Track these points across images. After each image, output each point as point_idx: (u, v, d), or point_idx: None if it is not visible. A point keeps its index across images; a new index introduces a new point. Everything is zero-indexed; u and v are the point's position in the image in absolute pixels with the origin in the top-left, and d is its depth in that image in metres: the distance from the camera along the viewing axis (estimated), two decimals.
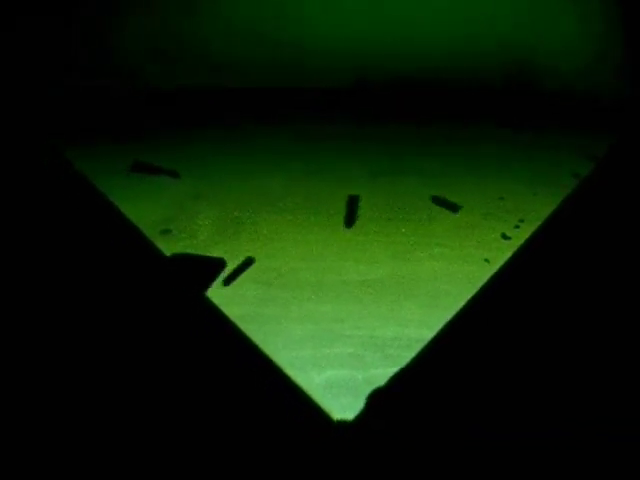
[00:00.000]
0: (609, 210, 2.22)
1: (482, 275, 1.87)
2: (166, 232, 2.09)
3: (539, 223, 2.18)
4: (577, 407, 1.40)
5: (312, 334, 1.63)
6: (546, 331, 1.64)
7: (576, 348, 1.57)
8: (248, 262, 1.82)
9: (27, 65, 3.36)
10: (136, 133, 2.94)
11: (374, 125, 3.06)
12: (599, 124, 3.08)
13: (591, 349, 1.57)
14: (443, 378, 1.50)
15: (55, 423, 1.36)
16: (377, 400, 1.42)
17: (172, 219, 2.18)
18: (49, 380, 1.47)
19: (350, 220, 1.84)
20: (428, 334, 1.63)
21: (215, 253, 1.98)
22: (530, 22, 3.40)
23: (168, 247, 2.00)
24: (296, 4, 3.41)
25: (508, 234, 2.11)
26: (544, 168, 2.62)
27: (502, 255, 2.00)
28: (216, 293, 1.79)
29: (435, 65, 3.47)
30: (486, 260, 1.97)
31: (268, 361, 1.54)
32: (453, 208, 1.86)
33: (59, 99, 3.31)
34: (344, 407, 1.42)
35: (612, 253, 1.97)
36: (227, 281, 1.80)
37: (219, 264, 1.91)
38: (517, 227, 2.16)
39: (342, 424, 1.36)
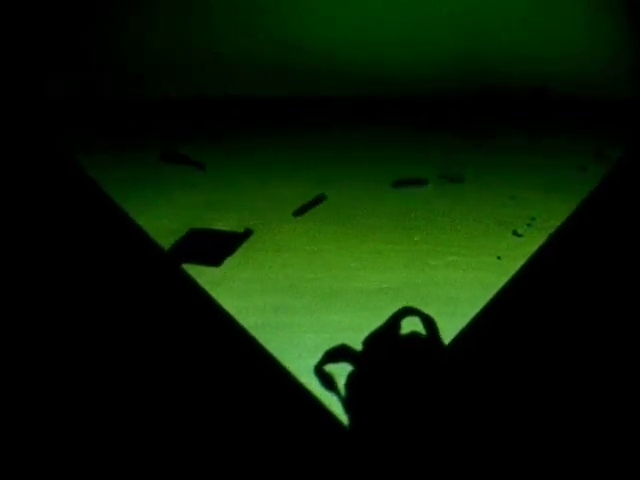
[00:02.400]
0: (624, 216, 2.20)
1: (497, 282, 1.86)
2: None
3: (550, 223, 2.18)
4: (592, 413, 1.38)
5: (327, 343, 1.63)
6: (560, 337, 1.62)
7: (586, 352, 1.55)
8: (320, 198, 1.84)
9: (33, 71, 3.43)
10: (152, 142, 2.98)
11: (387, 134, 3.07)
12: (612, 128, 3.07)
13: (595, 353, 1.55)
14: (461, 383, 1.48)
15: (61, 423, 1.37)
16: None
17: (187, 228, 2.20)
18: (66, 382, 1.49)
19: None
20: (444, 341, 1.62)
21: (230, 262, 2.00)
22: (542, 30, 3.41)
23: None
24: (316, 20, 3.47)
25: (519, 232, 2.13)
26: (558, 173, 2.60)
27: (514, 255, 2.00)
28: (230, 303, 1.80)
29: (444, 75, 3.48)
30: (498, 258, 1.99)
31: (283, 370, 1.54)
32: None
33: (68, 105, 3.37)
34: None
35: (628, 261, 1.94)
36: (297, 213, 1.81)
37: (233, 237, 1.96)
38: (529, 225, 2.17)
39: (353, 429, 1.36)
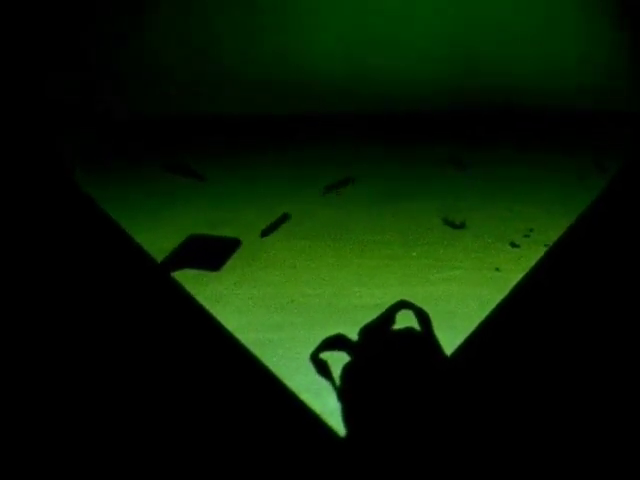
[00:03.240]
0: (623, 228, 2.21)
1: (495, 297, 1.87)
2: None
3: (549, 235, 2.20)
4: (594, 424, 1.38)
5: (326, 359, 1.63)
6: (559, 351, 1.62)
7: (583, 364, 1.55)
8: (284, 217, 1.88)
9: (31, 89, 3.47)
10: (149, 160, 3.01)
11: (384, 149, 3.10)
12: (611, 140, 3.10)
13: (593, 365, 1.55)
14: (459, 396, 1.48)
15: (54, 429, 1.37)
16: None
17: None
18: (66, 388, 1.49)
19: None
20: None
21: (230, 279, 2.01)
22: (539, 45, 3.46)
23: (181, 274, 2.03)
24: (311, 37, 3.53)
25: (517, 242, 2.16)
26: (556, 186, 2.63)
27: (513, 269, 2.01)
28: (230, 319, 1.81)
29: (440, 90, 3.53)
30: (497, 269, 2.01)
31: (282, 386, 1.54)
32: (460, 227, 1.90)
33: (68, 120, 3.41)
34: None
35: (626, 274, 1.95)
36: (264, 233, 1.85)
37: (233, 243, 2.02)
38: (527, 236, 2.19)
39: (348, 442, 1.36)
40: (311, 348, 1.67)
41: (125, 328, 1.76)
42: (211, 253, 2.07)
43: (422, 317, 1.71)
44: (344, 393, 1.47)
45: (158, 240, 2.24)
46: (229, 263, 2.10)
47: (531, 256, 2.09)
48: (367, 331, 1.67)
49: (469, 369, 1.58)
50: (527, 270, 2.02)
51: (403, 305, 1.76)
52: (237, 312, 1.85)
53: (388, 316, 1.72)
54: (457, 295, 1.90)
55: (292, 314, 1.83)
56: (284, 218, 1.86)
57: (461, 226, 1.98)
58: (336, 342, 1.65)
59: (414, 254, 2.13)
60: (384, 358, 1.56)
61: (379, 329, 1.68)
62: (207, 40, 3.53)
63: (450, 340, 1.67)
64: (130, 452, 1.36)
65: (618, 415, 1.42)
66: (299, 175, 2.82)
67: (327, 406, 1.47)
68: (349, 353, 1.59)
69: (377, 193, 2.62)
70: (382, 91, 3.57)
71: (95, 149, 3.10)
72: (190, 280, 2.00)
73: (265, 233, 1.87)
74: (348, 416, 1.40)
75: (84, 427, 1.43)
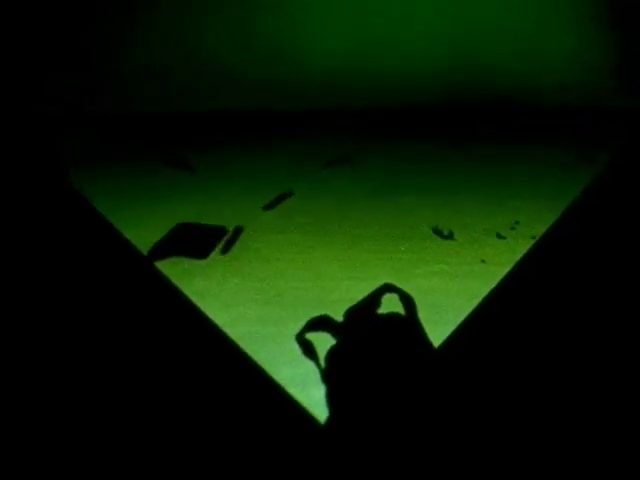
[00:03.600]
0: (611, 221, 2.23)
1: (482, 290, 1.88)
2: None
3: (535, 229, 2.22)
4: (582, 415, 1.39)
5: (311, 339, 1.64)
6: (543, 343, 1.64)
7: (569, 356, 1.57)
8: (238, 230, 1.91)
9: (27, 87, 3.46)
10: (137, 155, 2.99)
11: (373, 144, 3.10)
12: (597, 136, 3.12)
13: (579, 356, 1.57)
14: (446, 388, 1.49)
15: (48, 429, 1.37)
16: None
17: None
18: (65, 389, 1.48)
19: (226, 248, 1.92)
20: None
21: (217, 273, 2.00)
22: (533, 43, 3.49)
23: (168, 268, 2.02)
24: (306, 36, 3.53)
25: (503, 234, 2.19)
26: (542, 180, 2.64)
27: (499, 262, 2.03)
28: (217, 314, 1.80)
29: (433, 85, 3.54)
30: (482, 261, 2.03)
31: (269, 379, 1.54)
32: (449, 237, 1.94)
33: (58, 120, 3.40)
34: None
35: (615, 266, 1.97)
36: (224, 249, 1.87)
37: (220, 231, 2.05)
38: (513, 229, 2.21)
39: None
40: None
41: (113, 323, 1.76)
42: (198, 241, 2.07)
43: (406, 301, 1.75)
44: (328, 375, 1.48)
45: (149, 234, 2.23)
46: (215, 257, 2.09)
47: (517, 248, 2.11)
48: (352, 313, 1.68)
49: (456, 361, 1.59)
50: (513, 262, 2.03)
51: (388, 289, 1.78)
52: (225, 306, 1.84)
53: (373, 299, 1.75)
54: (444, 288, 1.91)
55: (280, 308, 1.83)
56: (288, 194, 1.88)
57: (449, 236, 2.01)
58: (321, 323, 1.68)
59: (402, 248, 2.14)
60: (369, 342, 1.58)
61: (364, 311, 1.69)
62: (206, 38, 3.52)
63: (438, 333, 1.68)
64: (118, 444, 1.36)
65: (606, 408, 1.43)
66: (287, 170, 2.81)
67: (314, 399, 1.47)
68: (334, 335, 1.62)
69: (369, 189, 2.62)
70: (380, 86, 3.57)
71: (94, 148, 3.08)
72: (177, 274, 2.00)
73: (268, 207, 1.89)
74: (331, 399, 1.41)
75: (71, 418, 1.42)
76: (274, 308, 1.83)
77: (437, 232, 1.95)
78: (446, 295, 1.87)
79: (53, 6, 3.40)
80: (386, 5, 3.42)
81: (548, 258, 2.05)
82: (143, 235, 2.24)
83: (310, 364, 1.58)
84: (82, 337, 1.70)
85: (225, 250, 1.97)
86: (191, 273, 2.01)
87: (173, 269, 2.02)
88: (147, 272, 2.01)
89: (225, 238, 1.97)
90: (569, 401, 1.45)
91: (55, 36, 3.49)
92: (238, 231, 1.98)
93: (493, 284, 1.92)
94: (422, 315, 1.77)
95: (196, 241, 2.07)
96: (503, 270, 1.99)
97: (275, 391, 1.51)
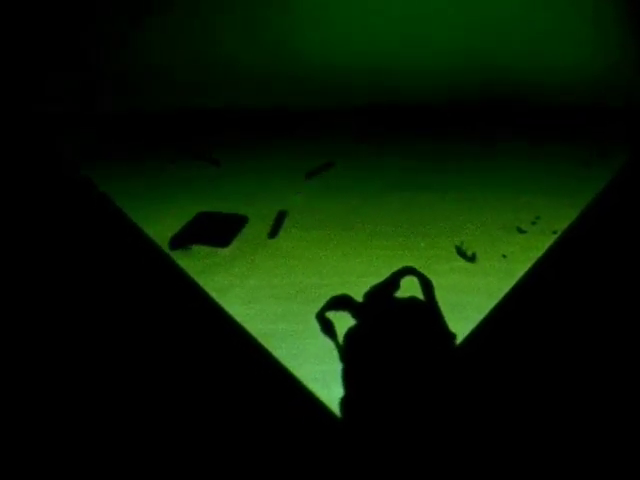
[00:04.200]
0: (633, 217, 2.20)
1: (503, 287, 1.87)
2: (186, 249, 2.13)
3: (555, 225, 2.20)
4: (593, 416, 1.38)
5: (333, 348, 1.64)
6: (564, 341, 1.62)
7: (590, 353, 1.55)
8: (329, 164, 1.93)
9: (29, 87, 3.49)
10: (137, 155, 3.02)
11: (391, 142, 3.09)
12: (616, 134, 3.07)
13: (600, 354, 1.55)
14: (468, 385, 1.49)
15: (56, 425, 1.39)
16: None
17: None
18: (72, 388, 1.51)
19: (274, 232, 1.92)
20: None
21: (236, 269, 2.01)
22: (548, 43, 3.45)
23: (189, 264, 2.04)
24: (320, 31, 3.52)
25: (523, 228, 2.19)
26: (561, 178, 2.61)
27: (520, 259, 2.01)
28: (238, 310, 1.81)
29: (446, 84, 3.51)
30: (503, 256, 2.03)
31: (290, 376, 1.55)
32: (472, 259, 1.94)
33: (58, 120, 3.43)
34: None
35: (633, 265, 1.94)
36: (271, 234, 1.89)
37: (241, 220, 2.10)
38: (534, 223, 2.21)
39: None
40: (319, 338, 1.68)
41: (134, 320, 1.77)
42: (219, 229, 2.09)
43: (425, 284, 1.77)
44: (346, 354, 1.50)
45: (163, 229, 2.25)
46: (234, 254, 2.10)
47: (538, 244, 2.09)
48: (372, 294, 1.72)
49: (478, 359, 1.58)
50: (534, 258, 2.01)
51: (408, 271, 1.79)
52: (245, 303, 1.85)
53: (392, 281, 1.78)
54: (465, 284, 1.89)
55: (300, 304, 1.83)
56: (328, 165, 1.92)
57: (472, 258, 2.00)
58: (341, 302, 1.72)
59: (422, 244, 2.13)
60: (387, 325, 1.60)
61: (383, 293, 1.73)
62: (206, 38, 3.52)
63: (459, 330, 1.67)
64: (136, 440, 1.37)
65: (630, 409, 1.42)
66: (307, 167, 2.81)
67: (335, 396, 1.48)
68: (353, 315, 1.66)
69: (386, 185, 2.61)
70: (388, 84, 3.55)
71: (94, 148, 3.11)
72: (198, 270, 2.01)
73: (308, 176, 1.93)
74: (348, 378, 1.44)
75: (90, 412, 1.44)
76: (295, 304, 1.83)
77: (461, 253, 1.94)
78: (467, 292, 1.86)
79: (53, 6, 3.42)
80: (396, 5, 3.41)
81: (570, 255, 2.02)
82: (159, 232, 2.25)
83: (332, 363, 1.59)
84: (104, 333, 1.72)
85: (272, 234, 1.97)
86: (212, 270, 2.02)
87: (194, 265, 2.04)
88: (167, 268, 2.02)
89: (270, 224, 1.97)
90: (592, 400, 1.43)
91: (55, 36, 3.51)
92: (282, 215, 1.98)
93: (514, 280, 1.90)
94: (444, 311, 1.76)
95: (217, 229, 2.09)
96: (524, 266, 1.98)
97: (296, 388, 1.51)
